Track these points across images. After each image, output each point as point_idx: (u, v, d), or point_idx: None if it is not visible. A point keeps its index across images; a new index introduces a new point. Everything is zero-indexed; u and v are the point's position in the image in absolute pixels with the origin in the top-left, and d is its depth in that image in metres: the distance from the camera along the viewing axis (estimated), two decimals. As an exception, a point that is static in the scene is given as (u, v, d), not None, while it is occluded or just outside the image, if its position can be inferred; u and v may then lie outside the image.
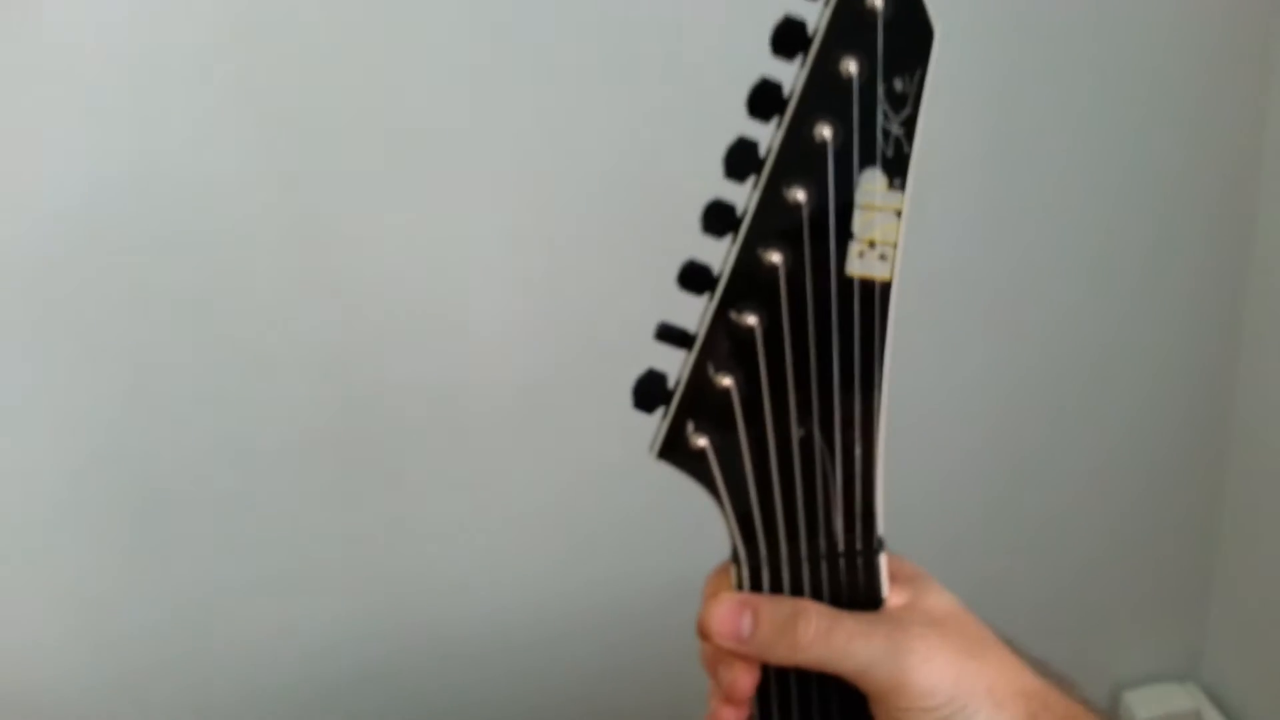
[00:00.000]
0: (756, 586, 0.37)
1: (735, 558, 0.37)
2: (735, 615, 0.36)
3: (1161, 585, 1.02)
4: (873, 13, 0.33)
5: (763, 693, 0.38)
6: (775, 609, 0.36)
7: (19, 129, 0.63)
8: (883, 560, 0.36)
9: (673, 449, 0.36)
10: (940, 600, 0.37)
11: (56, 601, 0.74)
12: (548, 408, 0.78)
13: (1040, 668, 0.38)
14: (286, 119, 0.67)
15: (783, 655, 0.36)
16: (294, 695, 0.81)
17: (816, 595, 0.36)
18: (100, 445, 0.71)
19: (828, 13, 0.33)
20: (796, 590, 0.36)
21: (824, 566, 0.36)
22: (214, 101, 0.65)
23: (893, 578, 0.37)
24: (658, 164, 0.72)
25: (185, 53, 0.64)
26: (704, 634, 0.36)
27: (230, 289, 0.70)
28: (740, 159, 0.35)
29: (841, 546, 0.36)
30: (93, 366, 0.69)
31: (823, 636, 0.35)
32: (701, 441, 0.35)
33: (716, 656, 0.38)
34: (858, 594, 0.36)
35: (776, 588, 0.36)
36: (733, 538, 0.37)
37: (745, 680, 0.37)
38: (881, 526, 0.36)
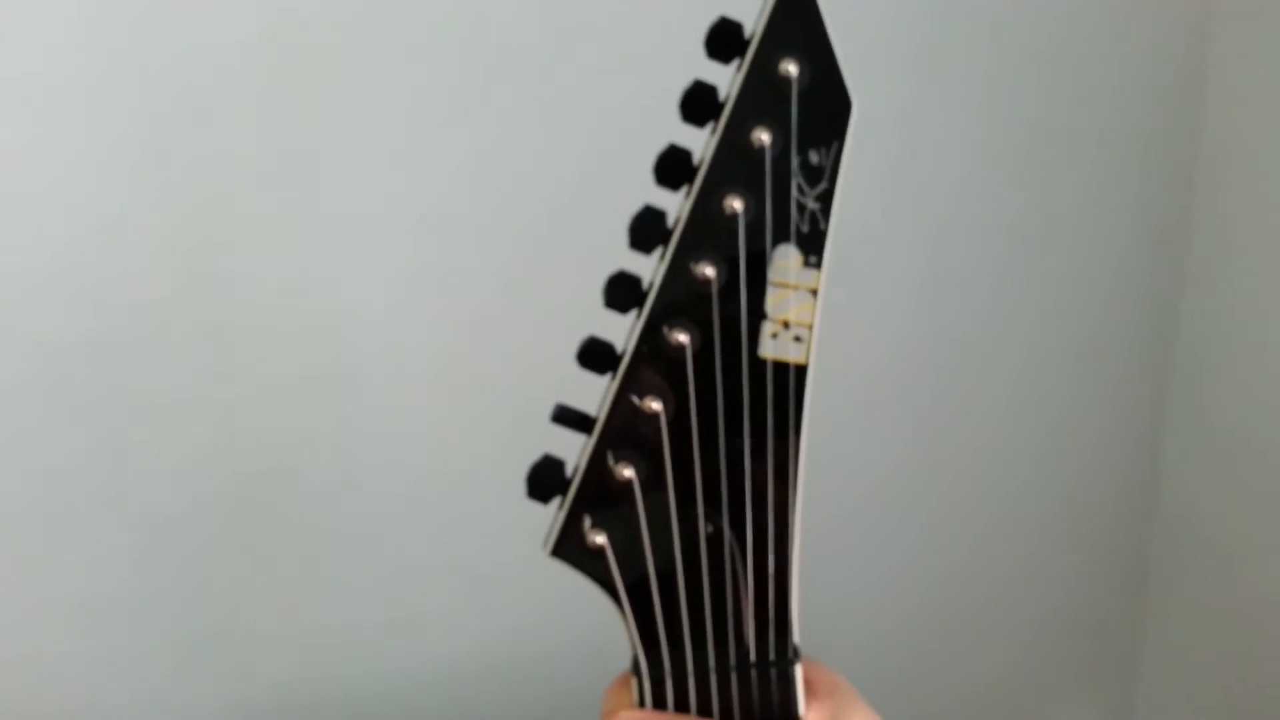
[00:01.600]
0: (660, 702, 0.33)
1: (636, 669, 0.33)
2: (634, 737, 0.32)
3: (1093, 652, 1.02)
4: (786, 81, 0.31)
5: (666, 823, 0.33)
6: (680, 731, 0.32)
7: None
8: (798, 672, 0.33)
9: (567, 546, 0.32)
10: None
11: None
12: (457, 464, 0.75)
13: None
14: (180, 158, 0.64)
15: None
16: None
17: (726, 713, 0.33)
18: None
19: (739, 79, 0.32)
20: (704, 707, 0.33)
21: (734, 679, 0.33)
22: (105, 138, 0.62)
23: (810, 689, 0.34)
24: (581, 215, 0.71)
25: (75, 90, 0.61)
26: (600, 758, 0.32)
27: (120, 337, 0.66)
28: (646, 229, 0.33)
29: (753, 657, 0.33)
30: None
31: None
32: (599, 539, 0.32)
33: (614, 782, 0.34)
34: (771, 712, 0.33)
35: (682, 704, 0.33)
36: (634, 646, 0.33)
37: (646, 810, 0.33)
38: (797, 634, 0.33)
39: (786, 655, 0.33)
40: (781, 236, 0.32)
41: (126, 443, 0.67)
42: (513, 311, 0.73)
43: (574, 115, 0.70)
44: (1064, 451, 0.95)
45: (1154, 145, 0.89)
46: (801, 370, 0.32)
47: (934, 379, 0.89)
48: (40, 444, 0.65)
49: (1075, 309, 0.91)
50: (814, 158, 0.32)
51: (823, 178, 0.32)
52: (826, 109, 0.32)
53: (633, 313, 0.33)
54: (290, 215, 0.67)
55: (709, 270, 0.32)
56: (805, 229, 0.32)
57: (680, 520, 0.32)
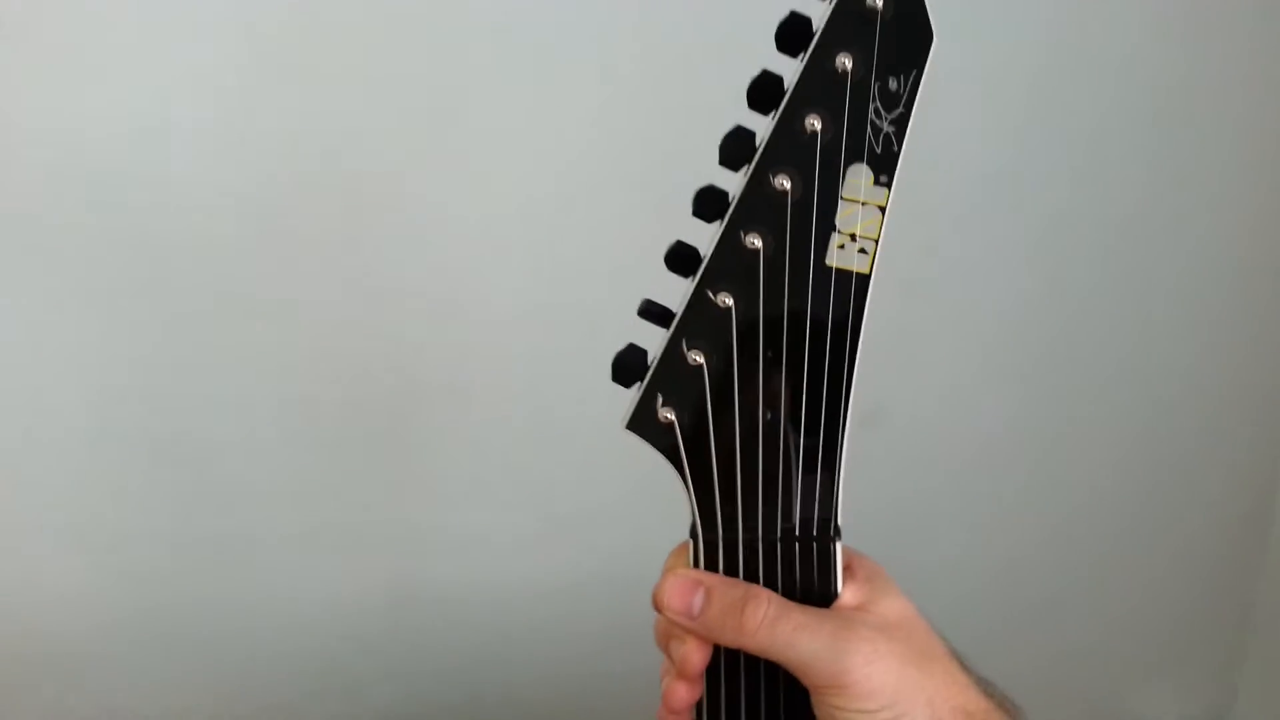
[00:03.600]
0: (712, 565, 0.37)
1: (694, 534, 0.37)
2: (688, 591, 0.36)
3: (1196, 629, 1.00)
4: (873, 11, 0.34)
5: (713, 672, 0.38)
6: (727, 590, 0.36)
7: (55, 80, 0.66)
8: (838, 550, 0.37)
9: (641, 421, 0.37)
10: (894, 605, 0.37)
11: (66, 542, 0.75)
12: (552, 377, 0.79)
13: (987, 687, 0.38)
14: (316, 83, 0.69)
15: (729, 638, 0.36)
16: (292, 649, 0.82)
17: (770, 580, 0.37)
18: (113, 388, 0.72)
19: (829, 9, 0.34)
20: (751, 573, 0.37)
21: (780, 551, 0.37)
22: (253, 67, 0.68)
23: (850, 572, 0.37)
24: (677, 149, 0.73)
25: (229, 19, 0.66)
26: (657, 606, 0.37)
27: (250, 241, 0.71)
28: (735, 147, 0.36)
29: (798, 532, 0.36)
30: (109, 312, 0.70)
31: (769, 624, 0.35)
32: (669, 415, 0.36)
33: (669, 631, 0.38)
34: (811, 584, 0.37)
35: (732, 569, 0.37)
36: (693, 514, 0.37)
37: (696, 657, 0.37)
38: (840, 516, 0.37)
39: (829, 534, 0.37)
40: (855, 156, 0.35)
41: (250, 341, 0.73)
42: (617, 246, 0.76)
43: (679, 63, 0.73)
44: (1182, 429, 0.93)
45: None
46: (864, 279, 0.35)
47: (1048, 337, 0.88)
48: (166, 340, 0.71)
49: (1203, 277, 0.88)
50: (893, 84, 0.35)
51: (899, 103, 0.35)
52: (909, 39, 0.34)
53: (716, 222, 0.37)
54: (425, 142, 0.72)
55: (786, 182, 0.35)
56: (879, 150, 0.35)
57: (741, 404, 0.36)
